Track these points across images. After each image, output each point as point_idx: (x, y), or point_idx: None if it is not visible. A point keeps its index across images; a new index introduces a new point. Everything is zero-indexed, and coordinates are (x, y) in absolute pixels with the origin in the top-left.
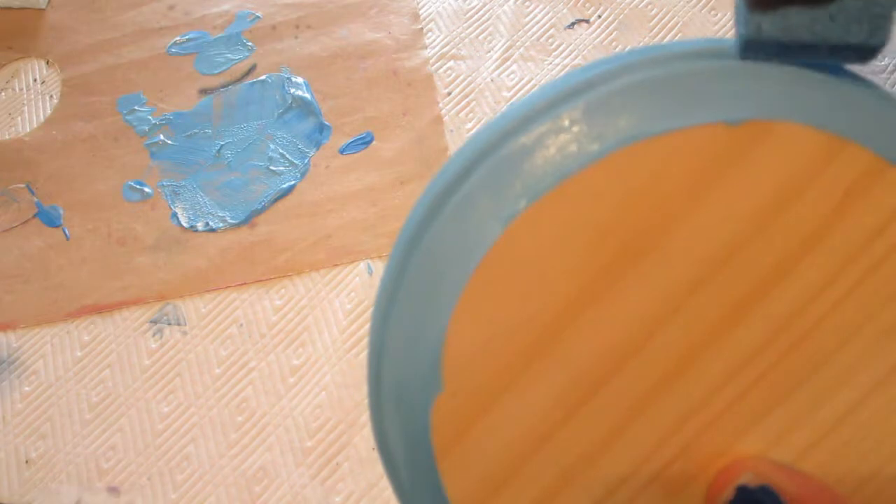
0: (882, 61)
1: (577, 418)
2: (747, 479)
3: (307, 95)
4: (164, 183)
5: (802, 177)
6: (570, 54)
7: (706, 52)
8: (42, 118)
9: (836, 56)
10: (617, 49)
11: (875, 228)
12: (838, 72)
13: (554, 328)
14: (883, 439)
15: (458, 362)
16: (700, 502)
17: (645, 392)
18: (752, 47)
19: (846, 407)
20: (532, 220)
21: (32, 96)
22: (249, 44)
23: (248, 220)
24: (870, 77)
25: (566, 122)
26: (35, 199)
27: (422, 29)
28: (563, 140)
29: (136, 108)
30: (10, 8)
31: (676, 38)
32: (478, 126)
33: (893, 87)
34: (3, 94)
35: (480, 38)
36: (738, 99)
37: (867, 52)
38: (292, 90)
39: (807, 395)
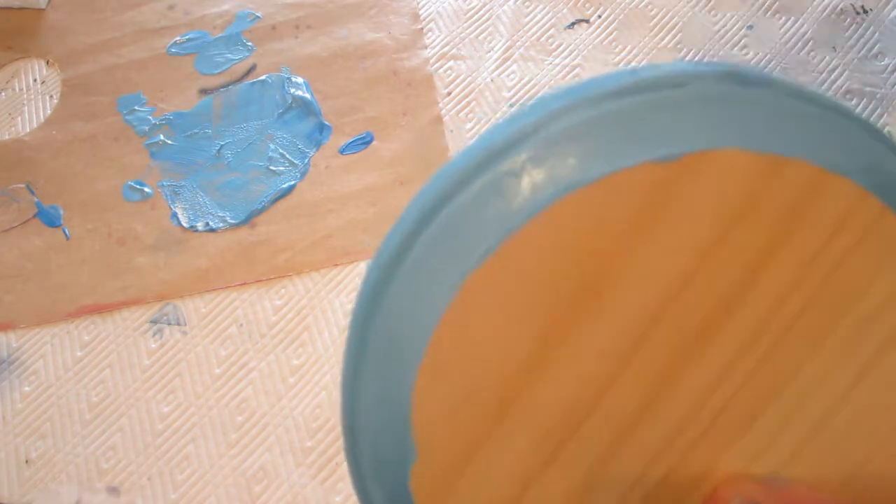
0: (882, 61)
1: (557, 462)
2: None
3: (307, 95)
4: (164, 183)
5: (745, 199)
6: (570, 54)
7: (631, 88)
8: (42, 118)
9: None
10: (617, 49)
11: (824, 237)
12: (762, 86)
13: (520, 379)
14: (863, 436)
15: (429, 428)
16: None
17: (621, 426)
18: None
19: (823, 411)
20: (483, 278)
21: (32, 96)
22: (249, 44)
23: (248, 220)
24: (792, 82)
25: (501, 180)
26: (35, 199)
27: (422, 29)
28: (501, 197)
29: (136, 108)
30: (10, 8)
31: (676, 37)
32: (477, 127)
33: (893, 87)
34: (3, 94)
35: (480, 38)
36: (668, 133)
37: None
38: (292, 90)
39: (783, 406)
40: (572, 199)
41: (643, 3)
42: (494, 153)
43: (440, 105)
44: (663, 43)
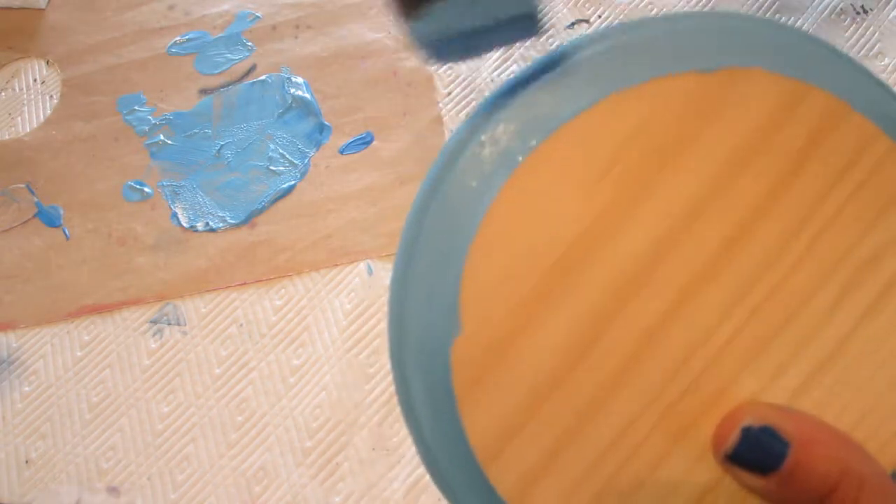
0: (882, 61)
1: (588, 357)
2: (750, 421)
3: (307, 95)
4: (164, 183)
5: (772, 118)
6: None
7: (681, 15)
8: (42, 118)
9: (507, 33)
10: None
11: (840, 167)
12: (787, 29)
13: (562, 266)
14: (874, 372)
15: (476, 304)
16: (705, 446)
17: (650, 327)
18: (428, 52)
19: (835, 341)
20: (535, 163)
21: (32, 96)
22: (249, 44)
23: (248, 220)
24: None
25: (554, 83)
26: (35, 199)
27: None
28: (552, 95)
29: (136, 108)
30: (10, 8)
31: None
32: None
33: (894, 87)
34: (3, 94)
35: None
36: (709, 50)
37: (529, 20)
38: (292, 90)
39: (796, 332)
40: (616, 100)
41: (643, 3)
42: (548, 64)
43: (440, 105)
44: None
